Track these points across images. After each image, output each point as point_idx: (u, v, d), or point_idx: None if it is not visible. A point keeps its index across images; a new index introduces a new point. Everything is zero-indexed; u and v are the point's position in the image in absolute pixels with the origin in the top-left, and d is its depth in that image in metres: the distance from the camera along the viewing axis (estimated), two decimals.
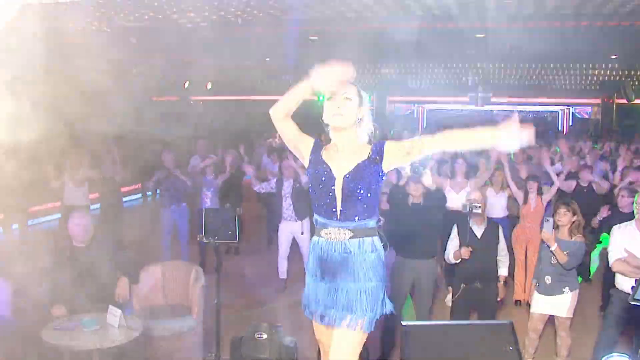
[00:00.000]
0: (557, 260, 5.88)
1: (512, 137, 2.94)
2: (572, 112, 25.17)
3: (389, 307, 3.39)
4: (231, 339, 5.28)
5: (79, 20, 10.65)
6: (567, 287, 5.95)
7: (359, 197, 3.26)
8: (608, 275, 6.86)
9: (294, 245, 8.71)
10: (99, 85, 8.02)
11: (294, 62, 18.86)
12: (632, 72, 20.55)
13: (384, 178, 3.36)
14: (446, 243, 6.50)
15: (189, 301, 6.26)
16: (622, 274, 5.49)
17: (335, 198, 3.27)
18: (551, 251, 5.86)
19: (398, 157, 3.29)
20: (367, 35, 13.01)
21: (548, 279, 5.97)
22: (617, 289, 5.64)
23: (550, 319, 6.16)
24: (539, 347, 6.26)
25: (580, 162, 10.45)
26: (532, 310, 6.22)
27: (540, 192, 8.20)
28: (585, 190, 8.96)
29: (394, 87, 22.25)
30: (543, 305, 6.05)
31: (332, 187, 3.27)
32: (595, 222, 8.05)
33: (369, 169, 3.27)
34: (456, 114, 24.68)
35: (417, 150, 3.24)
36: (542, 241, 6.06)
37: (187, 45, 13.13)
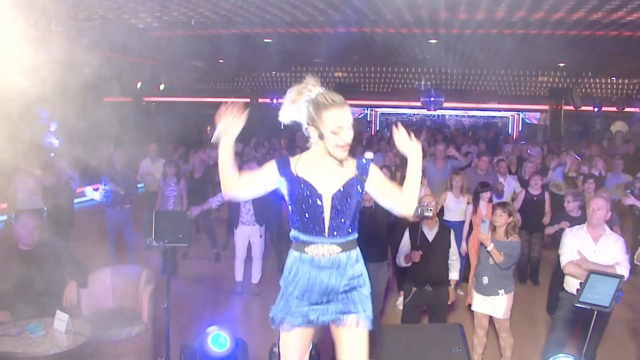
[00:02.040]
0: (494, 260, 5.99)
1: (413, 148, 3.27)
2: (522, 118, 25.63)
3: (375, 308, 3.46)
4: (181, 346, 5.23)
5: (29, 17, 10.44)
6: (502, 290, 6.05)
7: (348, 215, 3.27)
8: (556, 277, 7.02)
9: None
10: (48, 86, 7.87)
11: (249, 64, 18.85)
12: (579, 80, 21.07)
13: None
14: (398, 246, 6.56)
15: (138, 305, 6.17)
16: (574, 276, 5.60)
17: (323, 216, 3.25)
18: (488, 251, 5.96)
19: (375, 189, 3.35)
20: (320, 38, 13.05)
21: (485, 279, 6.07)
22: (566, 291, 5.76)
23: (492, 320, 6.26)
24: (487, 348, 6.35)
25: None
26: (473, 308, 6.32)
27: (491, 200, 8.27)
28: (535, 199, 9.03)
29: (347, 90, 22.35)
30: (483, 304, 6.14)
31: (319, 206, 3.24)
32: (549, 230, 7.93)
33: (356, 187, 3.29)
34: (408, 117, 24.93)
35: (384, 190, 3.35)
36: (481, 242, 6.16)
37: (139, 46, 12.96)
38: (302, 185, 3.25)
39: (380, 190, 3.36)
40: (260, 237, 8.53)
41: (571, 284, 5.66)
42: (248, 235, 8.52)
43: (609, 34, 11.98)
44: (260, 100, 23.32)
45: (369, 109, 25.03)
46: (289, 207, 3.33)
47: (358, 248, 3.41)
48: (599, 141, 19.54)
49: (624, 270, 5.40)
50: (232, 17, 11.30)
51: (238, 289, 8.66)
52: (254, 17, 11.22)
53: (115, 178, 9.17)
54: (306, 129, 3.29)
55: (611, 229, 5.85)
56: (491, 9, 10.21)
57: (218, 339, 5.09)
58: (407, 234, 6.49)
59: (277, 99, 23.17)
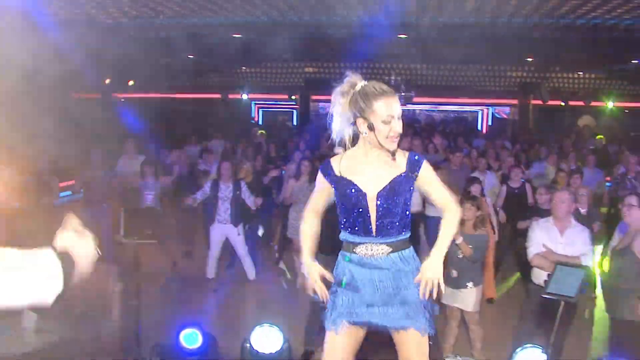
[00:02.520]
0: (463, 254, 6.06)
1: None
2: (492, 113, 25.85)
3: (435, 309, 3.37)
4: (152, 345, 5.22)
5: None
6: (471, 282, 6.12)
7: (395, 213, 3.18)
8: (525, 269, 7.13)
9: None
10: (15, 83, 7.77)
11: (218, 60, 18.75)
12: (547, 75, 21.31)
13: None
14: None
15: (108, 303, 6.11)
16: (541, 268, 5.70)
17: (370, 216, 3.18)
18: (457, 245, 6.03)
19: (423, 192, 3.31)
20: (291, 34, 13.04)
21: (454, 273, 6.13)
22: (534, 282, 5.86)
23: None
24: (459, 339, 6.41)
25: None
26: (442, 301, 6.38)
27: (483, 194, 8.29)
28: (516, 192, 9.09)
29: (317, 86, 22.35)
30: (452, 297, 6.20)
31: (366, 205, 3.17)
32: (522, 225, 7.96)
33: (405, 184, 3.19)
34: None
35: (425, 191, 3.29)
36: None
37: (107, 41, 12.82)
38: (346, 185, 3.20)
39: (427, 194, 3.30)
40: (238, 234, 8.51)
41: (538, 276, 5.76)
42: (224, 233, 8.52)
43: (575, 28, 12.12)
44: (230, 96, 23.21)
45: None
46: (338, 207, 3.30)
47: (412, 248, 3.32)
48: (567, 135, 19.81)
49: (589, 260, 5.53)
50: (200, 12, 11.23)
51: (209, 286, 8.63)
52: (223, 11, 11.17)
53: (95, 177, 9.09)
54: (353, 122, 3.19)
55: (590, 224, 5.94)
56: (459, 4, 10.30)
57: (189, 336, 5.09)
58: None
59: (247, 95, 23.12)
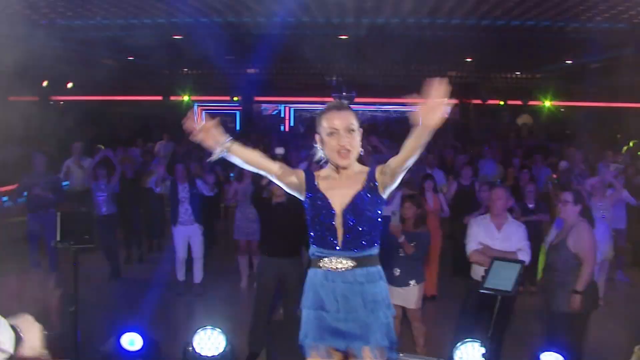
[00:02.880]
0: (404, 252, 6.13)
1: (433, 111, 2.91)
2: None
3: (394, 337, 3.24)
4: (92, 351, 5.14)
5: None
6: (413, 280, 6.21)
7: (360, 230, 3.14)
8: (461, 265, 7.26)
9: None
10: None
11: (159, 62, 18.52)
12: (486, 75, 21.75)
13: (383, 205, 3.23)
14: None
15: (47, 311, 5.98)
16: (479, 264, 5.82)
17: (336, 232, 3.15)
18: (399, 243, 6.10)
19: (386, 180, 3.14)
20: (231, 35, 12.97)
21: (397, 271, 6.20)
22: (472, 278, 5.98)
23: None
24: (402, 336, 6.48)
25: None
26: None
27: (436, 191, 8.45)
28: (467, 190, 9.25)
29: (260, 87, 22.29)
30: (395, 295, 6.27)
31: (332, 222, 3.14)
32: (467, 220, 8.11)
33: (367, 199, 3.14)
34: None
35: (394, 171, 3.10)
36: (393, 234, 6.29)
37: (44, 42, 12.52)
38: (319, 198, 3.17)
39: (386, 175, 3.13)
40: (200, 235, 8.54)
41: (477, 272, 5.87)
42: (187, 234, 8.52)
43: (510, 29, 12.38)
44: (172, 98, 22.95)
45: (282, 105, 25.04)
46: (308, 220, 3.23)
47: (380, 267, 3.24)
48: (506, 134, 20.25)
49: (525, 255, 5.67)
50: (138, 13, 11.08)
51: (180, 290, 8.62)
52: (161, 13, 11.04)
53: (39, 182, 8.87)
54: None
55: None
56: (398, 4, 10.41)
57: (130, 340, 5.02)
58: None
59: (188, 96, 22.89)
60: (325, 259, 3.15)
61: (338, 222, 3.13)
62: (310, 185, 3.21)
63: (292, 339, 5.09)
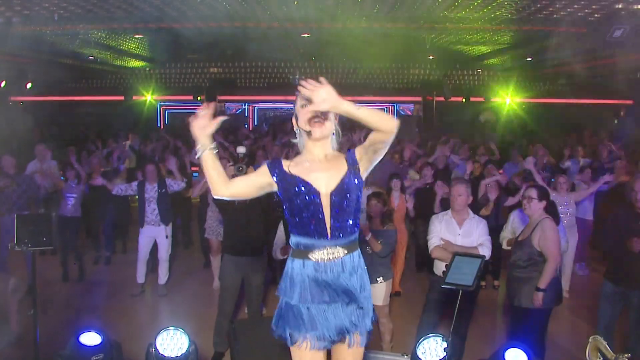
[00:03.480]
0: (371, 249, 6.16)
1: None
2: (396, 110, 26.35)
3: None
4: (52, 353, 5.05)
5: None
6: (381, 277, 6.24)
7: (349, 212, 3.10)
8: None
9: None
10: None
11: (121, 61, 18.32)
12: (448, 72, 21.93)
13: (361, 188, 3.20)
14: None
15: (6, 314, 5.88)
16: (440, 259, 5.87)
17: (324, 217, 3.07)
18: (366, 240, 6.12)
19: (365, 159, 3.15)
20: (194, 34, 12.88)
21: None
22: (435, 274, 6.03)
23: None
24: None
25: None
26: None
27: (403, 190, 8.48)
28: (427, 186, 9.12)
29: (223, 86, 22.15)
30: None
31: (318, 204, 3.06)
32: None
33: (352, 181, 3.11)
34: (285, 111, 25.04)
35: (369, 144, 3.08)
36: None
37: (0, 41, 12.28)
38: (296, 182, 3.09)
39: (372, 151, 3.12)
40: (166, 237, 8.47)
41: (439, 267, 5.94)
42: (153, 235, 8.45)
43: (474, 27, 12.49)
44: (134, 97, 22.68)
45: (246, 104, 24.92)
46: (286, 209, 3.16)
47: (359, 249, 3.25)
48: (471, 131, 20.43)
49: (485, 250, 5.73)
50: (97, 12, 10.93)
51: (136, 292, 8.53)
52: (121, 12, 10.90)
53: (12, 184, 8.71)
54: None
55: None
56: (358, 6, 10.46)
57: (89, 338, 4.96)
58: (281, 227, 6.60)
59: (151, 96, 22.65)
60: (315, 251, 3.09)
61: (325, 206, 3.07)
62: (279, 171, 3.15)
63: (257, 338, 5.12)
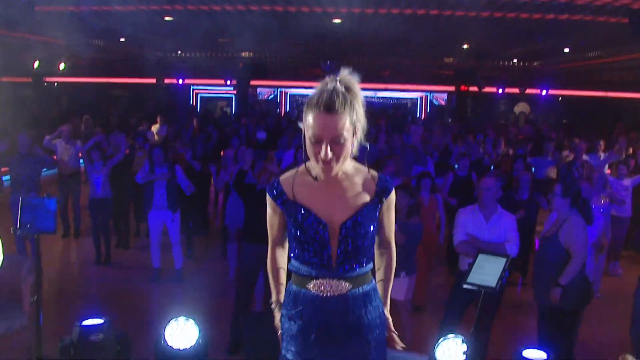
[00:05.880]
0: (396, 242, 5.95)
1: None
2: (430, 99, 26.05)
3: None
4: (60, 345, 4.97)
5: None
6: (404, 271, 6.04)
7: (360, 246, 2.65)
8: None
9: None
10: None
11: (152, 44, 18.32)
12: (483, 62, 21.54)
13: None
14: None
15: (19, 297, 5.82)
16: (466, 255, 5.66)
17: (330, 249, 2.62)
18: None
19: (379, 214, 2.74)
20: (225, 18, 12.77)
21: None
22: (460, 270, 5.82)
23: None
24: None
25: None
26: None
27: (433, 190, 8.10)
28: (464, 181, 9.00)
29: (255, 71, 22.05)
30: None
31: (324, 238, 2.60)
32: None
33: (372, 213, 2.67)
34: None
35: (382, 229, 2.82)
36: None
37: (35, 22, 12.30)
38: (301, 212, 2.62)
39: (380, 225, 2.79)
40: (173, 221, 8.35)
41: (464, 263, 5.73)
42: (162, 219, 8.35)
43: (506, 15, 12.19)
44: (166, 80, 22.74)
45: (278, 90, 24.87)
46: (290, 232, 2.70)
47: (374, 281, 2.82)
48: (503, 123, 20.09)
49: (513, 247, 5.51)
50: None
51: (154, 277, 8.46)
52: None
53: (22, 163, 8.75)
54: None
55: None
56: None
57: (95, 328, 4.88)
58: None
59: (183, 80, 22.66)
60: (316, 281, 2.66)
61: (333, 237, 2.61)
62: (281, 198, 2.69)
63: (273, 330, 4.96)
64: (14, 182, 8.87)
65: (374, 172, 2.72)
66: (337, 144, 2.47)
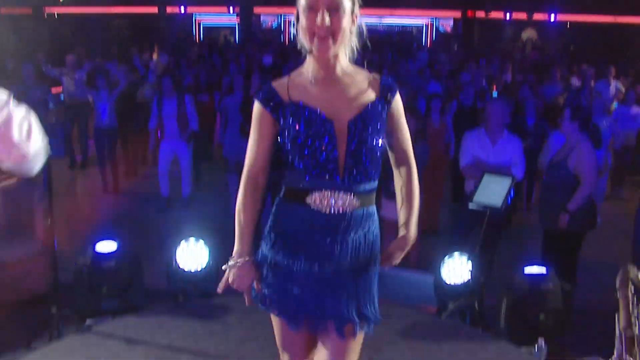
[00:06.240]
0: None
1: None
2: (436, 27, 25.63)
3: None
4: (74, 267, 5.09)
5: None
6: None
7: (369, 152, 2.30)
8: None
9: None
10: None
11: None
12: None
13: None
14: None
15: (32, 224, 5.91)
16: (471, 177, 5.70)
17: (337, 152, 2.26)
18: None
19: (388, 123, 2.43)
20: None
21: (393, 185, 6.03)
22: (466, 193, 5.86)
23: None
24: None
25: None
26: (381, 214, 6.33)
27: (442, 112, 8.08)
28: (469, 109, 8.90)
29: None
30: (390, 209, 6.12)
31: (333, 137, 2.25)
32: None
33: (379, 113, 2.35)
34: None
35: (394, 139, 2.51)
36: None
37: None
38: (301, 111, 2.28)
39: (389, 133, 2.47)
40: (183, 151, 8.42)
41: (470, 186, 5.74)
42: (173, 149, 8.39)
43: None
44: (168, 9, 22.39)
45: (282, 17, 24.53)
46: (286, 145, 2.32)
47: (374, 205, 2.45)
48: (510, 49, 19.84)
49: (519, 171, 5.53)
50: None
51: (162, 205, 8.56)
52: None
53: (27, 93, 8.75)
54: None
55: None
56: None
57: (105, 250, 4.98)
58: None
59: (185, 8, 22.30)
60: (316, 194, 2.28)
61: (340, 136, 2.27)
62: (275, 103, 2.33)
63: None
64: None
65: (375, 74, 2.45)
66: (335, 10, 2.20)
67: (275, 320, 2.50)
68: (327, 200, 2.27)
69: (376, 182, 2.39)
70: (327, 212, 2.28)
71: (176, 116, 8.20)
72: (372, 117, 2.30)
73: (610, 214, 8.28)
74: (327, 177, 2.27)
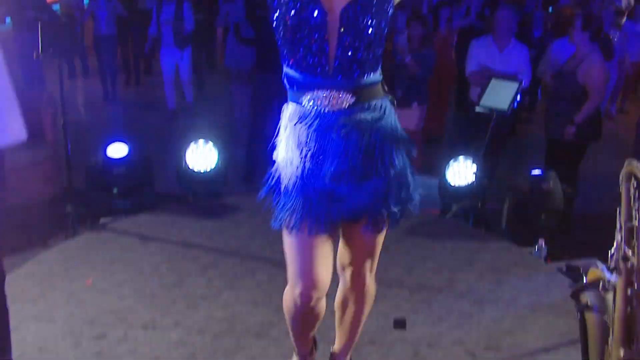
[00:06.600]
0: (408, 72, 6.00)
1: None
2: None
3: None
4: (86, 167, 5.17)
5: None
6: (416, 102, 6.12)
7: (365, 42, 2.08)
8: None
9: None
10: None
11: None
12: None
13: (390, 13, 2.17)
14: None
15: (41, 127, 5.93)
16: (477, 84, 5.68)
17: (327, 44, 2.07)
18: (405, 64, 5.93)
19: None
20: None
21: (399, 92, 6.09)
22: (472, 99, 5.86)
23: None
24: None
25: None
26: None
27: (450, 20, 8.00)
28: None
29: None
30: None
31: (322, 25, 2.05)
32: None
33: (380, 3, 2.10)
34: None
35: None
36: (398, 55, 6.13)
37: None
38: (294, 1, 2.07)
39: None
40: (183, 60, 8.35)
41: (475, 93, 5.75)
42: (174, 58, 8.33)
43: None
44: None
45: None
46: (278, 33, 2.15)
47: (388, 100, 2.28)
48: None
49: (525, 78, 5.52)
50: None
51: (170, 116, 8.58)
52: None
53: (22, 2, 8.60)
54: None
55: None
56: None
57: (117, 152, 5.06)
58: None
59: None
60: (310, 93, 2.15)
61: (332, 26, 2.07)
62: None
63: None
64: (16, 21, 8.72)
65: None
66: None
67: (289, 240, 2.32)
68: (318, 99, 2.14)
69: (377, 75, 2.21)
70: (324, 111, 2.15)
71: (172, 22, 8.10)
72: (369, 4, 2.07)
73: (612, 127, 8.33)
74: (316, 73, 2.12)
